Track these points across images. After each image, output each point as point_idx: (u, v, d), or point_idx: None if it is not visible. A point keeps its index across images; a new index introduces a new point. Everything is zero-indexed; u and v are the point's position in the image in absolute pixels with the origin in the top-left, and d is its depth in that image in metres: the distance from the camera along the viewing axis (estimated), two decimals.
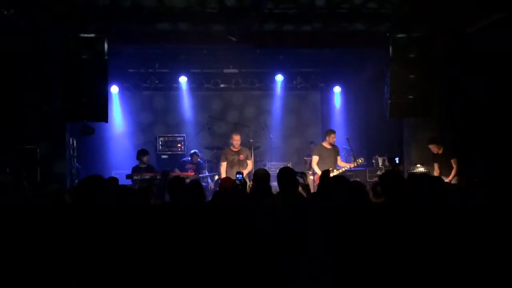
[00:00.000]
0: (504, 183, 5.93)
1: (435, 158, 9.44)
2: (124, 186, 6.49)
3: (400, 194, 4.38)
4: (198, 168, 11.68)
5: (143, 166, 10.49)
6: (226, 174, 9.58)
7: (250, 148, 10.45)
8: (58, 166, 9.39)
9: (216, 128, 14.02)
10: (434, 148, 9.40)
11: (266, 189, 5.92)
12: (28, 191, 6.09)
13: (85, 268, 3.43)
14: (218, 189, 6.97)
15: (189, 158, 12.01)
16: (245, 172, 9.51)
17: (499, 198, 4.53)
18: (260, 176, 5.99)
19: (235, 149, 9.96)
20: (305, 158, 12.65)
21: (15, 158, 8.80)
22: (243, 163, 9.88)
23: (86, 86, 8.90)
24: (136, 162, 10.73)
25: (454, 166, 9.14)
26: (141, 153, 10.66)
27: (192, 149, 12.53)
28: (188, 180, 7.87)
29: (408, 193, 4.54)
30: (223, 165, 9.91)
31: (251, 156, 10.18)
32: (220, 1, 8.77)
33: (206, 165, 12.18)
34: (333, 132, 10.24)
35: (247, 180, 7.38)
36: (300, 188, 5.82)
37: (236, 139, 9.96)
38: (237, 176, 6.10)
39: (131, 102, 13.85)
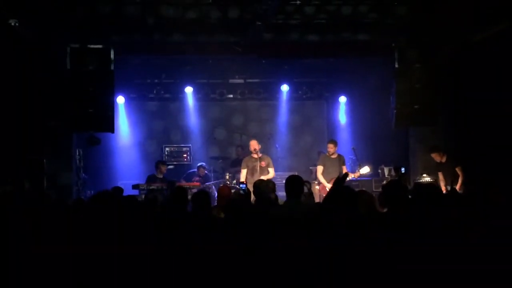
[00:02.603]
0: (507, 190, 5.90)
1: (438, 167, 9.40)
2: (129, 196, 6.48)
3: (403, 203, 4.37)
4: (205, 181, 11.68)
5: (160, 176, 10.52)
6: (246, 182, 9.34)
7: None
8: (64, 177, 9.43)
9: (222, 138, 14.04)
10: (436, 157, 9.36)
11: (268, 199, 5.91)
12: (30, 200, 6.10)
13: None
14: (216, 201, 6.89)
15: (196, 170, 12.02)
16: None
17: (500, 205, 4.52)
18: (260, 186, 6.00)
19: (255, 156, 9.64)
20: (310, 167, 12.64)
21: (22, 169, 8.82)
22: (264, 171, 9.52)
23: (93, 97, 8.96)
24: (147, 172, 10.74)
25: (460, 174, 9.10)
26: (159, 163, 10.68)
27: (198, 160, 12.58)
28: (194, 190, 7.90)
29: (412, 202, 4.53)
30: (243, 172, 9.60)
31: (273, 164, 9.85)
32: (226, 12, 8.82)
33: (212, 175, 12.19)
34: (330, 142, 10.12)
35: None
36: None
37: (253, 145, 9.66)
38: (241, 186, 6.09)
39: (137, 113, 13.87)
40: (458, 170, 9.14)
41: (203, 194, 5.53)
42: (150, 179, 10.46)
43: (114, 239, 3.76)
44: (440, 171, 9.39)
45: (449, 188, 9.11)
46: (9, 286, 3.39)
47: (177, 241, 3.78)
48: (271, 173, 9.52)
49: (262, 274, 3.51)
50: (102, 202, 4.52)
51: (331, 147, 10.00)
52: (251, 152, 9.84)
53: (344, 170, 10.13)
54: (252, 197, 6.69)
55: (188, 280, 3.41)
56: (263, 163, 9.57)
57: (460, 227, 4.04)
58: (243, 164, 9.77)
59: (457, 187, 9.00)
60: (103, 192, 4.85)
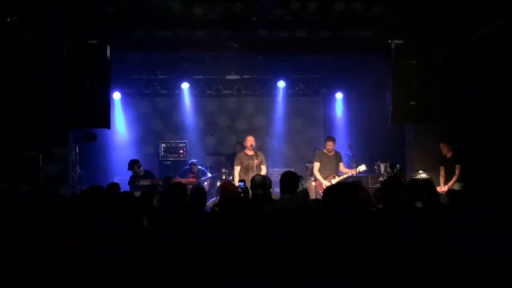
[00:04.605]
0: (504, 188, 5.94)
1: (441, 160, 9.38)
2: (127, 192, 6.48)
3: (399, 200, 4.40)
4: (200, 177, 11.69)
5: (141, 174, 10.45)
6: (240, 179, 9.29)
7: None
8: (60, 173, 9.41)
9: (218, 134, 14.05)
10: (444, 148, 9.32)
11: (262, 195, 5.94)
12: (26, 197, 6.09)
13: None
14: (219, 197, 6.95)
15: (188, 167, 12.03)
16: None
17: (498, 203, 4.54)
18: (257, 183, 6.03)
19: (250, 153, 9.60)
20: (307, 164, 12.67)
21: (18, 165, 8.81)
22: (257, 168, 9.46)
23: (89, 93, 8.94)
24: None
25: (457, 172, 9.12)
26: (130, 165, 10.52)
27: (194, 156, 12.60)
28: (190, 187, 7.91)
29: (408, 199, 4.56)
30: (237, 170, 9.52)
31: (265, 161, 9.80)
32: (223, 8, 8.80)
33: (209, 171, 12.20)
34: (330, 139, 10.14)
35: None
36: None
37: (251, 141, 9.59)
38: (239, 184, 6.12)
39: (134, 109, 13.87)
40: (457, 168, 9.14)
41: (200, 190, 5.56)
42: (133, 178, 10.37)
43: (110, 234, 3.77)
44: (442, 166, 9.38)
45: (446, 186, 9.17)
46: (6, 284, 3.39)
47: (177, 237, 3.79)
48: (263, 171, 9.51)
49: (258, 270, 3.53)
50: (94, 197, 4.52)
51: (330, 144, 10.00)
52: (245, 147, 9.83)
53: (341, 167, 10.17)
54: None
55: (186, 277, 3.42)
56: (257, 161, 9.54)
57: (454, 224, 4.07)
58: (236, 161, 9.72)
59: (450, 184, 9.04)
60: (96, 187, 4.84)
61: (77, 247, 3.50)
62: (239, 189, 6.06)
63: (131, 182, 10.26)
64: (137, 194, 8.90)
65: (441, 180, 9.34)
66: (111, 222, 4.01)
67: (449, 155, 9.32)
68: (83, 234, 3.68)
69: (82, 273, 3.27)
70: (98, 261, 3.38)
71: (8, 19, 7.86)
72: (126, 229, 3.88)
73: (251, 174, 9.10)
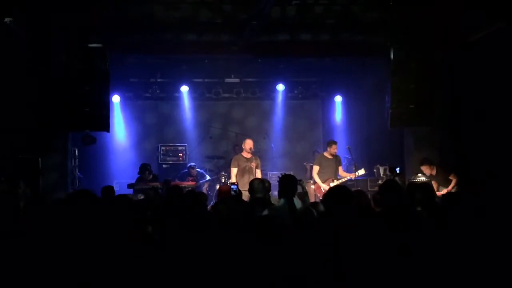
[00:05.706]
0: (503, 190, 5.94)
1: (429, 178, 9.36)
2: (121, 195, 6.44)
3: (398, 202, 4.40)
4: (198, 180, 11.70)
5: (149, 177, 10.49)
6: (237, 181, 9.34)
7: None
8: (59, 176, 9.39)
9: (217, 138, 14.05)
10: (426, 170, 9.23)
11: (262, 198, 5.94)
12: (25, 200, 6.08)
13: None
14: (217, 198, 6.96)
15: (187, 171, 12.04)
16: None
17: (498, 204, 4.54)
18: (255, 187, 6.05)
19: (247, 156, 9.64)
20: (304, 163, 12.68)
21: (17, 168, 8.79)
22: (254, 171, 9.51)
23: (88, 96, 8.94)
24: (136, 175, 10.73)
25: (454, 180, 9.08)
26: (141, 169, 10.58)
27: (194, 159, 12.61)
28: (189, 189, 7.92)
29: (407, 202, 4.57)
30: (234, 172, 9.55)
31: (260, 166, 9.84)
32: (222, 11, 8.82)
33: (208, 174, 12.20)
34: (334, 143, 10.19)
35: None
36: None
37: (250, 144, 9.63)
38: (232, 186, 6.15)
39: (133, 112, 13.86)
40: (451, 177, 9.11)
41: (194, 193, 5.58)
42: (140, 180, 10.41)
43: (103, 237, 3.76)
44: (432, 181, 9.36)
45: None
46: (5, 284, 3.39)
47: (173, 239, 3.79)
48: (258, 174, 9.53)
49: (253, 272, 3.53)
50: (81, 201, 4.49)
51: (335, 148, 10.06)
52: (242, 150, 9.85)
53: (340, 170, 10.17)
54: (247, 195, 6.71)
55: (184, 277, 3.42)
56: (254, 164, 9.56)
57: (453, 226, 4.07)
58: (234, 162, 9.73)
59: (448, 189, 9.02)
60: (83, 191, 4.82)
61: (76, 248, 3.50)
62: (232, 192, 6.09)
63: (133, 185, 10.29)
64: (137, 197, 8.97)
65: (435, 185, 9.31)
66: (102, 226, 4.00)
67: (433, 172, 9.25)
68: (78, 237, 3.68)
69: (81, 273, 3.27)
70: (96, 262, 3.38)
71: (7, 21, 7.86)
72: (120, 232, 3.87)
73: (248, 177, 9.14)
